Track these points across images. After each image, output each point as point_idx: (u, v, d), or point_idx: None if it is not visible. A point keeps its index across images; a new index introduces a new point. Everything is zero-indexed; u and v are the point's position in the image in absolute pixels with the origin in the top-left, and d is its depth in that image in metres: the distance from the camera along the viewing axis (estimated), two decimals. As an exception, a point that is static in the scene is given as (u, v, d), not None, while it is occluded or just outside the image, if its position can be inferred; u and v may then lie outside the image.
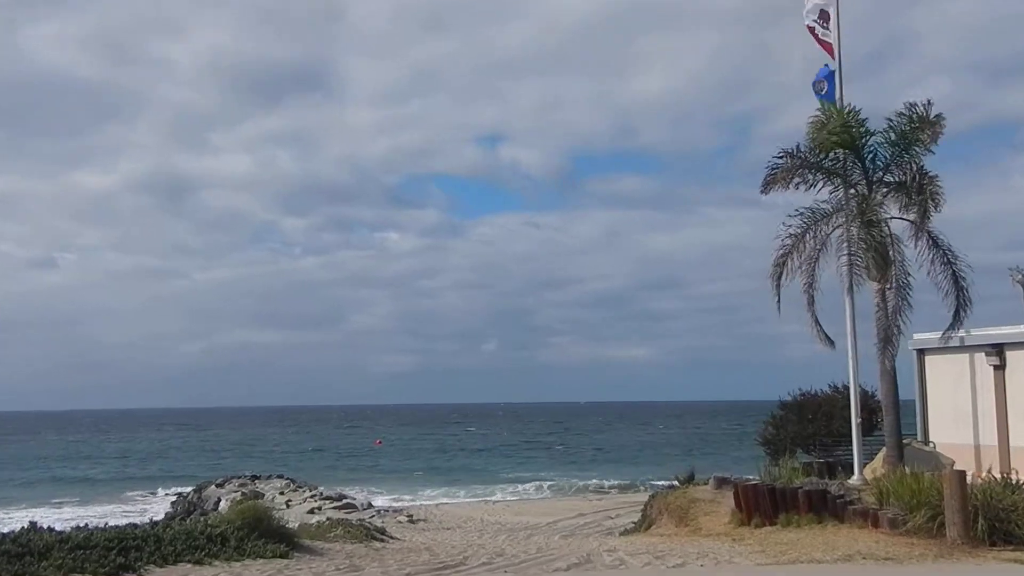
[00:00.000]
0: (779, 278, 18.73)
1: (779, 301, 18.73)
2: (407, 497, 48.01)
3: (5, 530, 12.61)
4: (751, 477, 20.16)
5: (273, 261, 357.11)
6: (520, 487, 52.27)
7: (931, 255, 18.40)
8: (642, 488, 46.57)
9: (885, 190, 18.85)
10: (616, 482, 53.35)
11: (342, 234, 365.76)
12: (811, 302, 18.72)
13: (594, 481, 54.39)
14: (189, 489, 49.12)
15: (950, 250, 18.45)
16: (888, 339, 18.19)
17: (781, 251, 18.80)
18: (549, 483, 54.39)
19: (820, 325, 18.72)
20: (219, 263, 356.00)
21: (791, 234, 18.89)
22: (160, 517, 38.57)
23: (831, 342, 18.78)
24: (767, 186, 19.24)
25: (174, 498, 48.12)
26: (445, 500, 46.09)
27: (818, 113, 19.14)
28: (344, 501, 37.44)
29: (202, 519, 20.35)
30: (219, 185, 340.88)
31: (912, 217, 18.49)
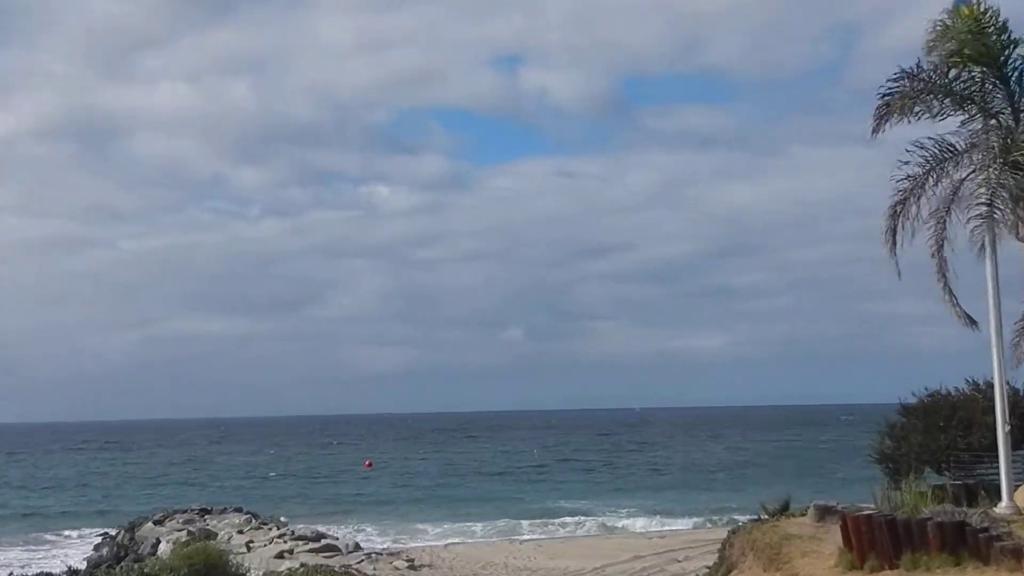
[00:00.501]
0: (895, 232, 18.75)
1: (896, 261, 18.77)
2: (406, 536, 48.38)
3: None
4: (864, 505, 20.25)
5: (223, 226, 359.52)
6: (555, 521, 52.57)
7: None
8: (718, 522, 46.62)
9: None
10: (683, 514, 53.52)
11: (314, 189, 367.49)
12: (942, 269, 18.73)
13: (654, 514, 54.60)
14: (118, 528, 49.70)
15: None
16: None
17: (898, 196, 18.80)
18: (594, 516, 54.67)
19: (955, 298, 18.75)
20: (153, 229, 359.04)
21: (910, 174, 18.88)
22: (82, 566, 39.23)
23: (972, 322, 18.78)
24: (880, 120, 19.19)
25: (98, 539, 48.79)
26: (456, 539, 46.44)
27: (944, 17, 19.04)
28: (323, 542, 37.79)
29: (136, 567, 20.79)
30: (152, 127, 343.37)
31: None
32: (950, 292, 18.81)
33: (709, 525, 46.53)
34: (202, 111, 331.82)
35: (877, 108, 19.28)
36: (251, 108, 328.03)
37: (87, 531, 53.44)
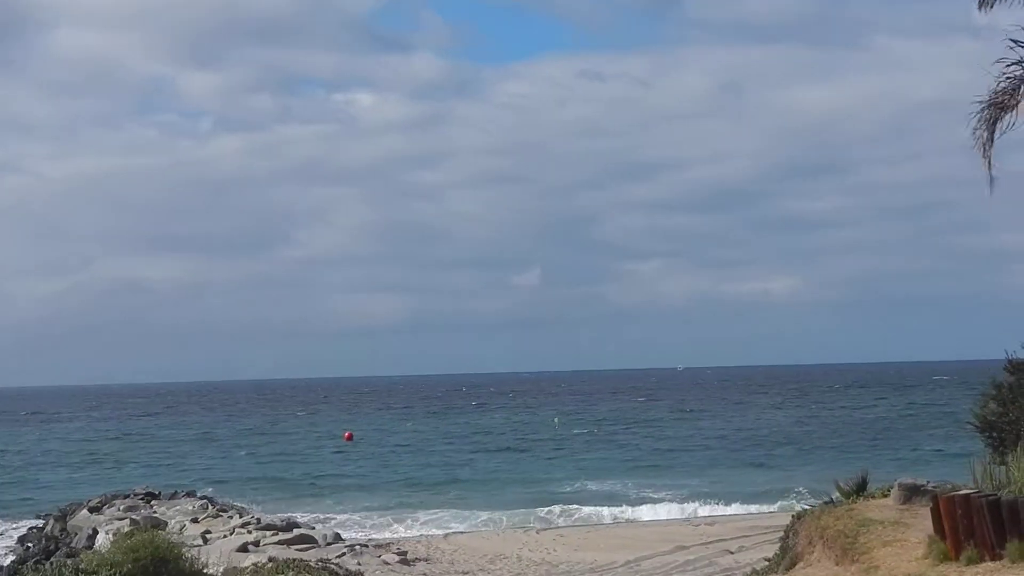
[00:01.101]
0: (991, 134, 18.64)
1: (990, 169, 18.68)
2: (397, 524, 48.79)
3: None
4: (961, 484, 20.31)
5: (167, 144, 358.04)
6: (580, 506, 52.97)
7: None
8: (780, 505, 46.89)
9: None
10: (737, 496, 53.85)
11: (280, 97, 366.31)
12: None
13: (701, 496, 54.93)
14: (46, 517, 50.19)
15: None
16: None
17: (1001, 89, 18.67)
18: (627, 497, 55.12)
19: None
20: (77, 148, 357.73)
21: (1021, 60, 18.73)
22: (4, 562, 39.72)
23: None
24: (985, -2, 19.00)
25: (23, 531, 49.38)
26: (458, 527, 46.84)
27: None
28: (296, 532, 38.14)
29: (70, 563, 21.02)
30: (76, 18, 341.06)
31: None
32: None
33: (768, 509, 46.78)
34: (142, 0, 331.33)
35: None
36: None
37: (7, 522, 53.89)
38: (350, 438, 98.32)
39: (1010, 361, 30.12)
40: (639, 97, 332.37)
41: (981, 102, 18.63)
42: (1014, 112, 18.63)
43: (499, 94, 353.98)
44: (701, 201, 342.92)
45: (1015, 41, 18.70)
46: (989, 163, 18.72)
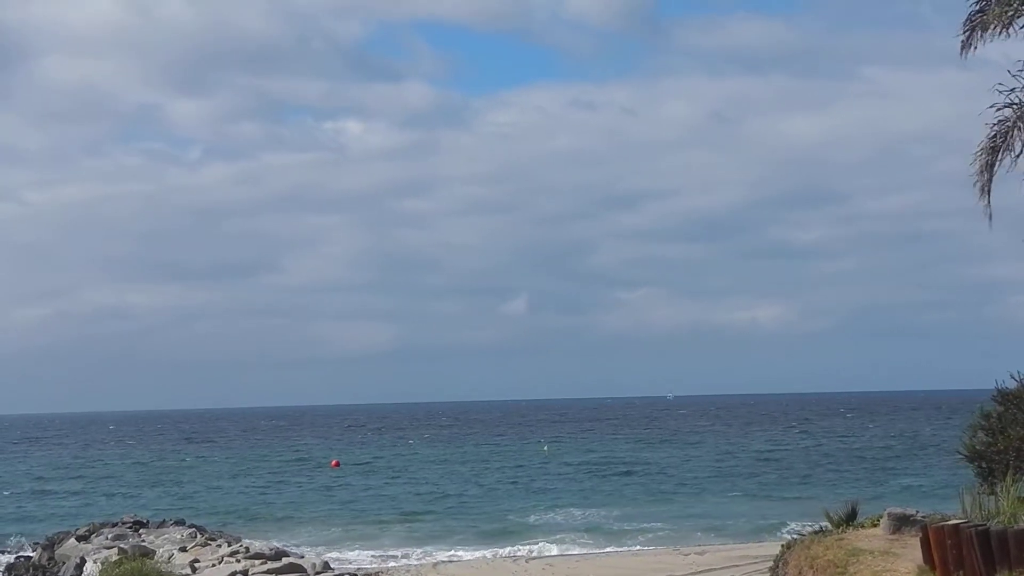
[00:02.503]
0: (991, 172, 18.80)
1: (988, 205, 18.83)
2: (385, 553, 48.74)
3: None
4: (950, 514, 20.35)
5: (155, 172, 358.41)
6: (569, 534, 52.92)
7: None
8: (769, 534, 46.82)
9: None
10: (726, 525, 53.79)
11: (270, 125, 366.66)
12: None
13: (691, 524, 54.88)
14: (33, 546, 50.03)
15: None
16: None
17: (996, 128, 18.82)
18: (616, 526, 55.02)
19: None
20: (65, 176, 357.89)
21: (1012, 102, 18.87)
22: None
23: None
24: (971, 34, 19.16)
25: (11, 559, 49.24)
26: (447, 557, 46.77)
27: None
28: (285, 561, 38.06)
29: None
30: (65, 47, 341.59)
31: None
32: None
33: (758, 539, 46.72)
34: (129, 27, 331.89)
35: (968, 19, 19.26)
36: (190, 23, 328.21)
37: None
38: (337, 465, 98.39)
39: (999, 391, 30.19)
40: (628, 126, 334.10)
41: (979, 149, 18.92)
42: (1010, 153, 18.87)
43: (488, 123, 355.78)
44: (690, 230, 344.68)
45: (1004, 87, 18.91)
46: (988, 202, 18.98)
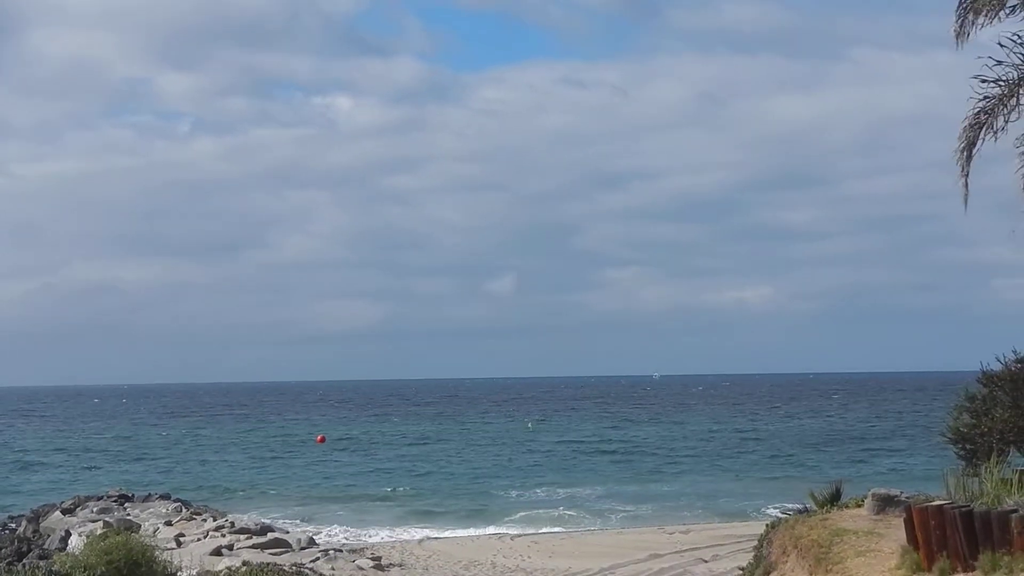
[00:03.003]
0: (970, 153, 18.78)
1: (967, 188, 18.84)
2: (372, 529, 48.88)
3: None
4: (934, 495, 20.43)
5: (144, 146, 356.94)
6: (554, 511, 53.03)
7: None
8: (754, 514, 47.04)
9: None
10: (710, 504, 53.98)
11: (259, 100, 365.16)
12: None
13: (675, 503, 55.06)
14: (17, 517, 50.01)
15: None
16: None
17: (979, 109, 18.81)
18: (600, 505, 55.22)
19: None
20: (54, 150, 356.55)
21: (998, 79, 18.85)
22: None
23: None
24: (964, 17, 19.13)
25: (-5, 530, 49.29)
26: (432, 533, 46.85)
27: None
28: (270, 536, 38.18)
29: (43, 564, 21.01)
30: (54, 19, 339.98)
31: None
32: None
33: (743, 518, 46.96)
34: (119, 1, 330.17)
35: (960, 4, 19.21)
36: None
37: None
38: (323, 441, 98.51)
39: (984, 373, 30.26)
40: (619, 105, 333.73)
41: (962, 127, 18.86)
42: (992, 133, 18.81)
43: (478, 100, 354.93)
44: (676, 211, 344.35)
45: (994, 59, 18.85)
46: (966, 182, 18.91)
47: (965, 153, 18.85)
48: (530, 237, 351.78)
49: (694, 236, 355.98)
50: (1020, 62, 18.86)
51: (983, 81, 18.81)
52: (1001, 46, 18.79)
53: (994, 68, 18.88)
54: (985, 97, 18.83)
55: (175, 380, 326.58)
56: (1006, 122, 18.77)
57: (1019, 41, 18.80)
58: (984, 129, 18.80)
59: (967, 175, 18.93)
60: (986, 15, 19.17)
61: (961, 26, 19.31)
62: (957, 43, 19.24)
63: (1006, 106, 18.83)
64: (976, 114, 18.84)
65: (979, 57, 18.91)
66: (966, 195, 19.06)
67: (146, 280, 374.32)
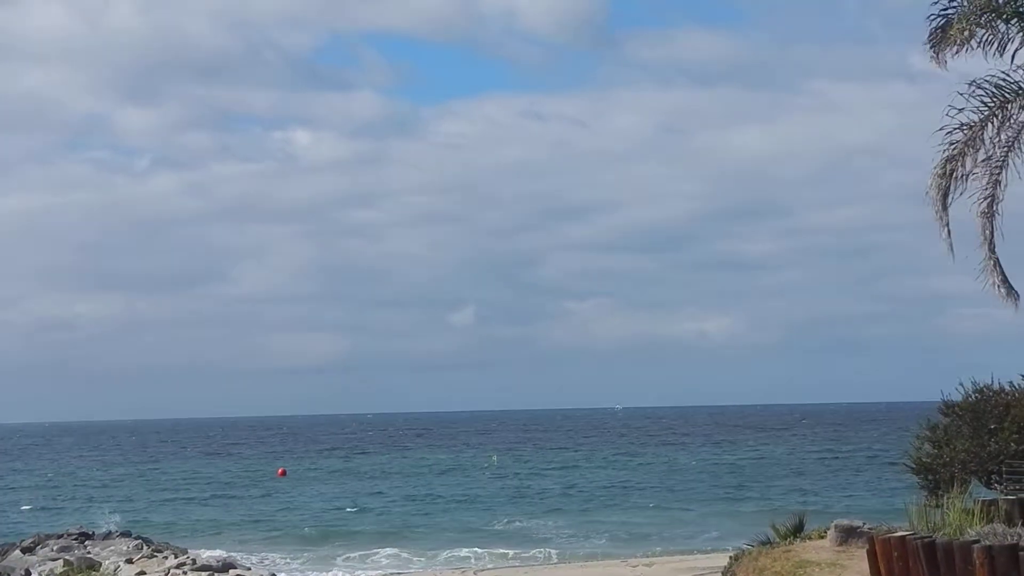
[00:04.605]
0: (946, 195, 18.81)
1: (948, 232, 18.86)
2: (331, 565, 48.58)
3: None
4: (897, 525, 20.40)
5: (102, 181, 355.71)
6: (514, 546, 52.78)
7: None
8: (718, 546, 46.89)
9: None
10: (673, 537, 53.84)
11: (217, 135, 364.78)
12: (989, 231, 18.85)
13: (638, 536, 54.89)
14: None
15: None
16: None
17: (949, 151, 18.84)
18: (562, 538, 54.89)
19: (1001, 269, 18.85)
20: (10, 184, 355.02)
21: (964, 123, 18.90)
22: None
23: (1015, 295, 19.03)
24: (937, 46, 19.13)
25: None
26: (394, 570, 46.60)
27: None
28: (232, 572, 37.79)
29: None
30: (11, 55, 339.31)
31: None
32: (995, 261, 18.95)
33: (706, 551, 46.76)
34: (77, 36, 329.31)
35: (931, 33, 19.25)
36: (139, 32, 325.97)
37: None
38: (283, 474, 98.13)
39: (944, 403, 30.34)
40: (577, 139, 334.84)
41: (933, 176, 18.95)
42: (962, 177, 18.87)
43: (437, 133, 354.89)
44: (638, 242, 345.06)
45: (955, 108, 18.93)
46: (948, 233, 18.96)
47: (941, 203, 18.94)
48: (490, 269, 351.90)
49: (654, 268, 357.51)
50: (981, 107, 18.93)
51: (947, 132, 18.92)
52: (960, 94, 18.92)
53: (955, 116, 19.00)
54: (951, 144, 18.91)
55: (136, 416, 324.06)
56: (974, 163, 18.85)
57: (978, 87, 18.89)
58: (955, 178, 18.86)
59: (947, 224, 19.02)
60: (956, 47, 19.20)
61: (937, 52, 19.33)
62: (939, 65, 19.27)
63: (973, 149, 18.87)
64: (944, 162, 18.91)
65: (944, 102, 19.03)
66: (950, 243, 19.15)
67: (105, 316, 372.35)
